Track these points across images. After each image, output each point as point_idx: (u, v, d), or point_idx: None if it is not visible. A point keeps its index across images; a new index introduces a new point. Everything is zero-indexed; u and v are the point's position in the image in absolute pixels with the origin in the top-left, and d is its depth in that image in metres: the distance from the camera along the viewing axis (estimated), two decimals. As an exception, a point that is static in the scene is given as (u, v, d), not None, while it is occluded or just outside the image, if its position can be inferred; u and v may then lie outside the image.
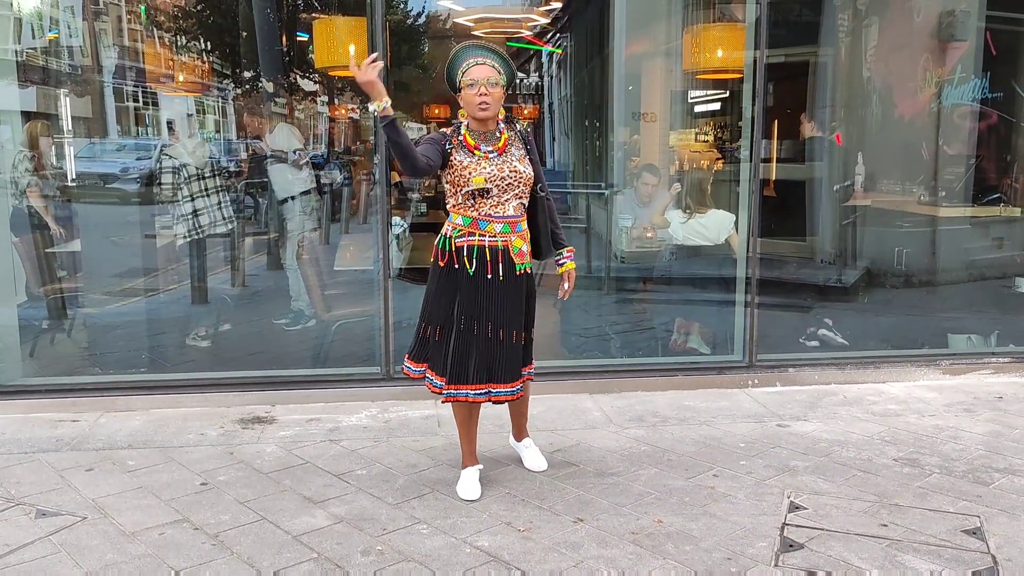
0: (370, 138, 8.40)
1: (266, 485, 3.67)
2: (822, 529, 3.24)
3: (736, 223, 5.48)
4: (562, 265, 3.58)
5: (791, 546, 3.11)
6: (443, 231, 3.42)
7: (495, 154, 3.35)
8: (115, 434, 4.28)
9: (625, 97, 7.44)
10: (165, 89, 7.57)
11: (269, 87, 7.85)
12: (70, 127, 6.65)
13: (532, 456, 3.85)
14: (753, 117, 5.18)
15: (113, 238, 6.60)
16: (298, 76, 8.42)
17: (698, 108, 8.25)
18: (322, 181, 7.16)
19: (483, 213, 3.34)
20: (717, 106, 7.92)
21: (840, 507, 3.43)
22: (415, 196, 8.19)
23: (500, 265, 3.35)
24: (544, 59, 10.63)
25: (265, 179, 6.31)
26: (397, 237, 5.91)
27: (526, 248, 3.45)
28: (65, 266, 5.84)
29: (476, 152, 3.33)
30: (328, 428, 4.37)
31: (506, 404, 3.64)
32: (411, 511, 3.42)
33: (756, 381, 5.09)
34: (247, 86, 8.03)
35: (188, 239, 5.74)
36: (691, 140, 7.74)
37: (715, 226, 5.75)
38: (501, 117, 3.43)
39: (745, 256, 5.25)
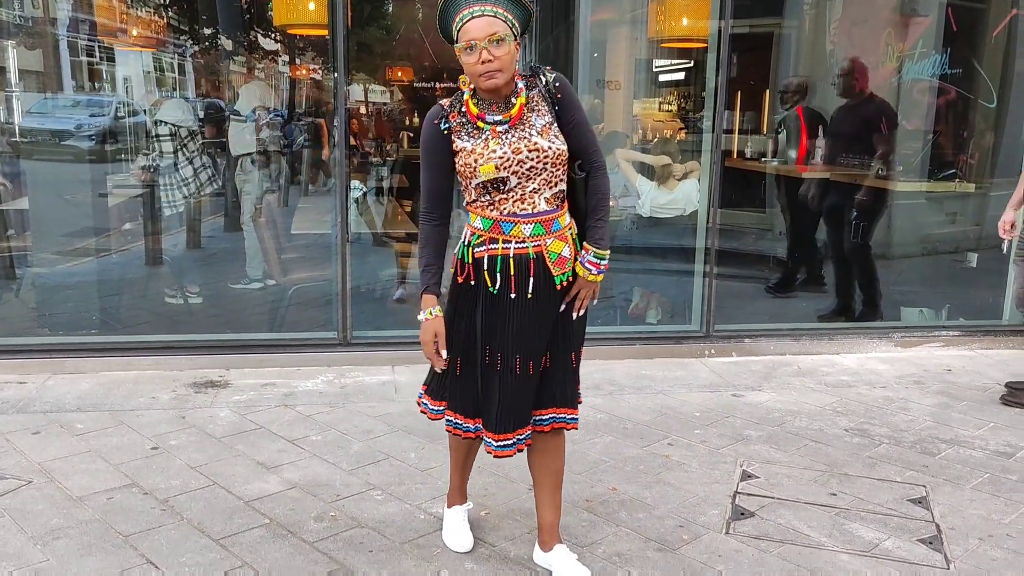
0: (330, 100, 8.26)
1: (218, 450, 3.62)
2: (773, 497, 3.29)
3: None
4: (582, 264, 2.59)
5: (742, 514, 3.15)
6: (462, 236, 2.62)
7: (506, 127, 2.47)
8: (63, 397, 4.19)
9: (590, 64, 7.39)
10: (121, 44, 7.35)
11: (228, 45, 7.66)
12: (19, 80, 6.43)
13: (569, 570, 2.69)
14: (717, 88, 5.17)
15: (66, 196, 6.44)
16: (258, 34, 8.23)
17: (662, 77, 8.24)
18: (281, 143, 7.05)
19: (506, 212, 2.49)
20: (681, 76, 7.90)
21: (791, 476, 3.48)
22: (376, 160, 8.09)
23: (532, 280, 2.51)
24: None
25: (224, 139, 6.19)
26: (356, 201, 5.83)
27: (568, 251, 2.57)
28: (12, 224, 5.68)
29: (481, 126, 2.48)
30: (283, 393, 4.32)
31: (532, 474, 2.83)
32: (366, 477, 3.40)
33: (712, 351, 5.13)
34: (206, 43, 7.83)
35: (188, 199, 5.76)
36: (655, 109, 7.73)
37: (684, 198, 5.77)
38: (519, 71, 2.54)
39: (705, 227, 5.27)
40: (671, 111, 7.75)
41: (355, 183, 5.77)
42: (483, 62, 2.40)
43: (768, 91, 7.50)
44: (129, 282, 5.84)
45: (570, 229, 2.60)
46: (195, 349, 4.75)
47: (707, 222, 5.25)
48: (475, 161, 2.45)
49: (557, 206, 2.55)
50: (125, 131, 6.98)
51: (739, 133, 7.14)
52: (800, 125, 6.62)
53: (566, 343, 2.66)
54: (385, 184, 7.11)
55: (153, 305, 5.57)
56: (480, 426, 2.68)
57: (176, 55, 7.88)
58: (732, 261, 5.90)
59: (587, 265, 2.57)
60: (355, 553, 2.83)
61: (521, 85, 2.52)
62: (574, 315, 2.62)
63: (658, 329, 5.46)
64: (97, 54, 7.34)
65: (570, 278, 2.58)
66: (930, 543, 2.96)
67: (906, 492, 3.36)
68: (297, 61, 9.18)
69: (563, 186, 2.56)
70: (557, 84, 2.54)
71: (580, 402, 2.77)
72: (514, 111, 2.48)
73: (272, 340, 5.01)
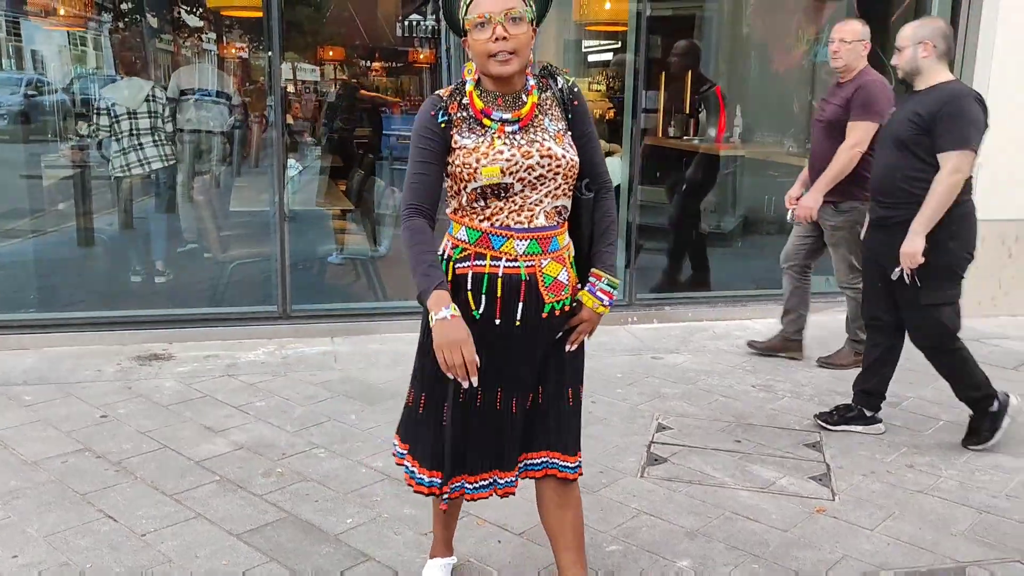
0: (261, 79, 8.31)
1: (166, 416, 3.80)
2: (684, 445, 3.62)
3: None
4: (591, 293, 2.24)
5: (656, 460, 3.48)
6: (441, 250, 2.22)
7: (515, 127, 2.14)
8: (9, 371, 4.30)
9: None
10: (33, 20, 7.22)
11: (153, 22, 7.64)
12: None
13: None
14: (636, 68, 5.47)
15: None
16: (183, 11, 8.20)
17: (591, 58, 8.52)
18: (212, 124, 7.11)
19: (498, 224, 2.15)
20: (609, 56, 8.20)
21: (701, 427, 3.83)
22: (309, 139, 8.19)
23: (521, 305, 2.16)
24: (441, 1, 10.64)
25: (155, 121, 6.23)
26: (292, 179, 5.98)
27: (565, 276, 2.22)
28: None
29: (487, 123, 2.13)
30: (226, 364, 4.50)
31: (547, 522, 2.40)
32: (309, 438, 3.62)
33: (635, 318, 5.46)
34: (127, 20, 7.79)
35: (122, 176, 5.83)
36: (584, 89, 8.02)
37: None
38: (530, 69, 2.21)
39: (627, 202, 5.58)
40: (600, 91, 8.05)
41: (291, 162, 5.93)
42: (496, 39, 2.05)
43: (690, 72, 7.85)
44: (61, 262, 5.89)
45: (568, 251, 2.25)
46: (137, 324, 4.88)
47: (628, 198, 5.56)
48: (477, 162, 2.10)
49: (557, 223, 2.21)
50: (40, 110, 6.92)
51: (663, 113, 7.47)
52: (719, 104, 6.98)
53: (560, 376, 2.29)
54: (320, 163, 7.25)
55: (90, 283, 5.66)
56: (438, 480, 2.26)
57: (96, 32, 7.79)
58: (654, 235, 6.24)
59: (599, 295, 2.23)
60: (302, 503, 3.06)
61: (532, 83, 2.20)
62: (567, 348, 2.27)
63: (584, 299, 5.75)
64: (5, 28, 7.23)
65: (565, 307, 2.23)
66: (820, 480, 3.33)
67: (803, 438, 3.73)
68: (225, 40, 9.19)
69: (567, 202, 2.22)
70: (575, 90, 2.25)
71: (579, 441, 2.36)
72: (525, 110, 2.15)
73: (214, 314, 5.15)
